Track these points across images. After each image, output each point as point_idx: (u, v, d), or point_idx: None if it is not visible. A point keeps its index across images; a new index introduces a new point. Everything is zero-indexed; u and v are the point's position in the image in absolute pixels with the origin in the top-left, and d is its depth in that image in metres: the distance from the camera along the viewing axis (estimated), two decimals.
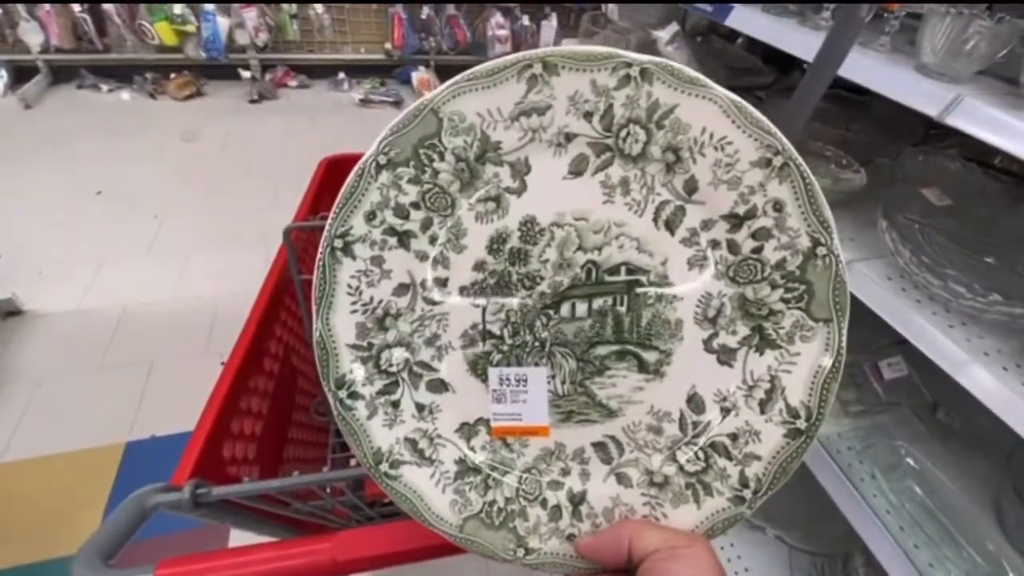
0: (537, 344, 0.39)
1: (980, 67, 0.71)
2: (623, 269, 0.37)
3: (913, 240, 0.78)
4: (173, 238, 2.18)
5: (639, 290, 0.37)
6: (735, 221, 0.35)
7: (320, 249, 0.36)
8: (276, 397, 0.74)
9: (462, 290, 0.38)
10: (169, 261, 2.06)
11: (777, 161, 0.33)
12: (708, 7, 1.08)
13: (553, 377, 0.39)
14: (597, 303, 0.38)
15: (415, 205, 0.36)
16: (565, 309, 0.38)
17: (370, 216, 0.36)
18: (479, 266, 0.38)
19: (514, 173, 0.36)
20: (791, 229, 0.34)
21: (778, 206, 0.34)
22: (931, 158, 1.05)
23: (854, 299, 0.83)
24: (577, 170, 0.36)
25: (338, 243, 0.36)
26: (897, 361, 0.98)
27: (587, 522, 0.39)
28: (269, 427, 0.70)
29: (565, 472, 0.40)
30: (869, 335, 1.05)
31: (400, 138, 0.35)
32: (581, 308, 0.38)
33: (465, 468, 0.39)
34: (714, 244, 0.36)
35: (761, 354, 0.37)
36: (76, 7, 3.00)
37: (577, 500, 0.39)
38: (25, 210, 2.23)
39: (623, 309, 0.38)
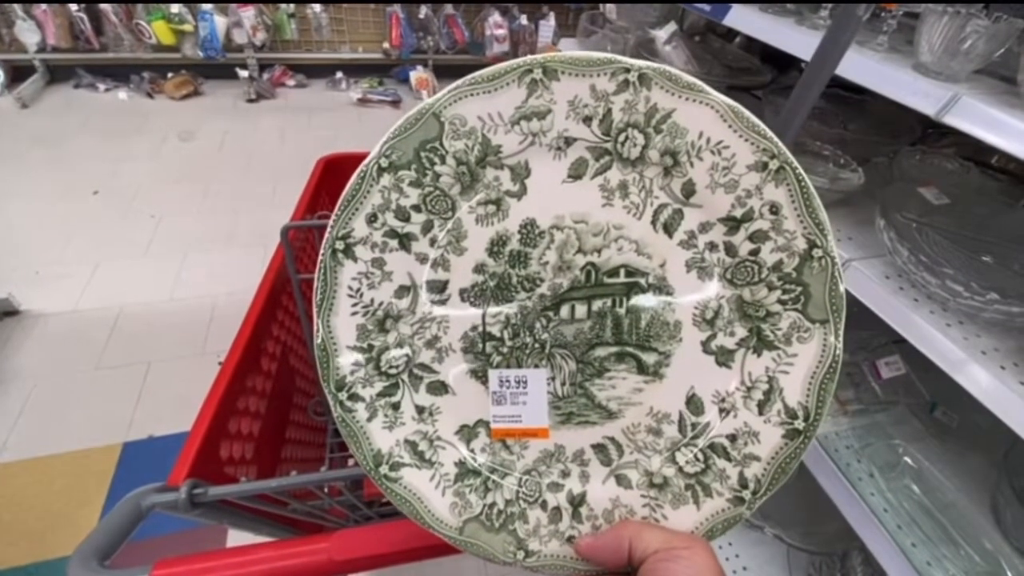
0: (537, 346, 0.39)
1: (977, 66, 0.71)
2: (622, 271, 0.38)
3: (911, 239, 0.78)
4: (170, 238, 2.17)
5: (638, 293, 0.38)
6: (732, 224, 0.36)
7: (321, 251, 0.36)
8: (274, 397, 0.74)
9: (462, 292, 0.38)
10: (166, 261, 2.05)
11: (773, 165, 0.34)
12: (706, 6, 1.08)
13: (553, 379, 0.39)
14: (596, 305, 0.38)
15: (416, 208, 0.37)
16: (565, 311, 0.38)
17: (371, 218, 0.36)
18: (479, 268, 0.38)
19: (514, 176, 0.36)
20: (787, 231, 0.35)
21: (774, 209, 0.35)
22: (928, 157, 1.05)
23: (852, 298, 0.84)
24: (576, 173, 0.36)
25: (339, 245, 0.36)
26: (895, 360, 0.98)
27: (587, 524, 0.39)
28: (267, 427, 0.70)
29: (565, 474, 0.40)
30: (867, 334, 1.05)
31: (402, 141, 0.35)
32: (580, 310, 0.38)
33: (465, 470, 0.40)
34: (712, 246, 0.37)
35: (759, 355, 0.37)
36: (73, 6, 2.99)
37: (577, 502, 0.39)
38: (22, 210, 2.22)
39: (622, 311, 0.38)
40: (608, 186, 0.36)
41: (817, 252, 0.34)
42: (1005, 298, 0.68)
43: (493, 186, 0.37)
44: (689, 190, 0.36)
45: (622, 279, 0.38)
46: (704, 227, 0.36)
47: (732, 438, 0.37)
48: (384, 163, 0.35)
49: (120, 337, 1.73)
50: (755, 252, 0.36)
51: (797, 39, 0.88)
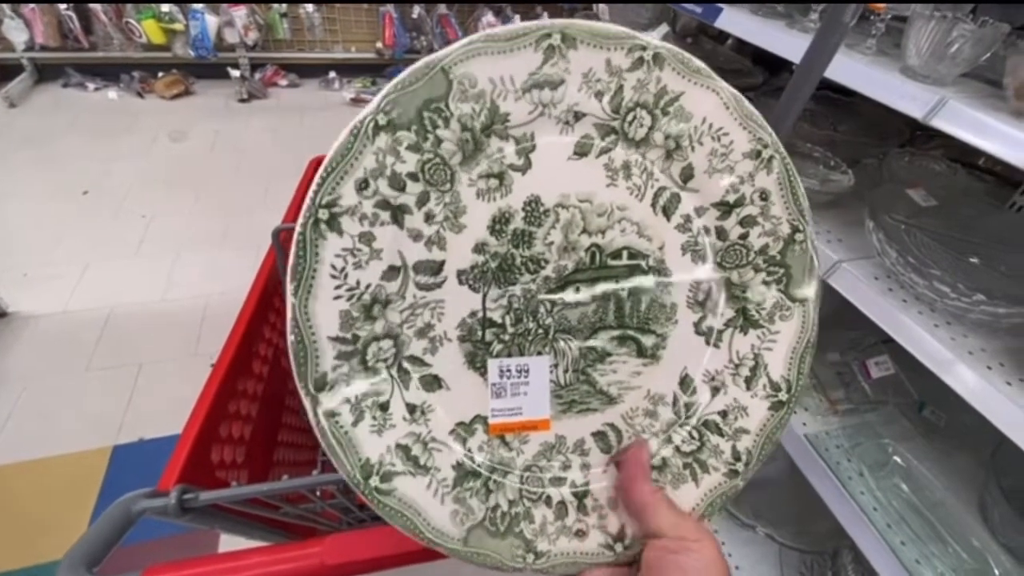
0: (540, 332, 0.37)
1: (964, 70, 0.72)
2: (625, 253, 0.37)
3: (899, 240, 0.79)
4: (161, 238, 2.16)
5: (639, 275, 0.37)
6: (725, 209, 0.37)
7: (301, 221, 0.31)
8: (265, 400, 0.73)
9: (460, 274, 0.35)
10: (157, 262, 2.04)
11: (766, 153, 0.35)
12: (698, 8, 1.09)
13: (555, 366, 0.38)
14: (600, 288, 0.37)
15: (413, 176, 0.33)
16: (569, 294, 0.37)
17: (362, 185, 0.31)
18: (480, 248, 0.35)
19: (519, 150, 0.34)
20: (774, 217, 0.37)
21: (764, 195, 0.36)
22: (917, 159, 1.07)
23: (843, 299, 0.85)
24: (582, 151, 0.35)
25: (323, 214, 0.31)
26: (884, 360, 0.99)
27: (593, 515, 0.38)
28: (258, 430, 0.70)
29: (566, 466, 0.39)
30: (857, 334, 1.06)
31: (404, 97, 0.31)
32: (585, 293, 0.37)
33: (464, 473, 0.36)
34: (705, 230, 0.37)
35: (745, 334, 0.39)
36: (61, 5, 2.96)
37: (581, 494, 0.38)
38: (10, 211, 2.20)
39: (624, 294, 0.37)
40: (612, 166, 0.35)
41: (799, 236, 0.37)
42: (991, 299, 0.68)
43: (496, 158, 0.34)
44: (688, 174, 0.36)
45: (625, 261, 0.37)
46: (699, 211, 0.37)
47: (723, 414, 0.39)
48: (382, 120, 0.31)
49: (111, 338, 1.71)
50: (744, 236, 0.37)
51: (788, 42, 0.89)
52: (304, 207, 0.31)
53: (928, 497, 0.88)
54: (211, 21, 3.15)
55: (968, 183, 1.04)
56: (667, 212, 0.37)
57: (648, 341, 0.38)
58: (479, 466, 0.37)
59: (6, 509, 1.27)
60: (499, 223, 0.35)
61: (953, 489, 0.89)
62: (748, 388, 0.38)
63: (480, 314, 0.36)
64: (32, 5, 2.90)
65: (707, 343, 0.39)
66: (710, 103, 0.35)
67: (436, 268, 0.34)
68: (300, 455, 0.87)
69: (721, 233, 0.37)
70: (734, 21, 1.00)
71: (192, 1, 3.10)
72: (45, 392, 1.54)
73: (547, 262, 0.36)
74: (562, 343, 0.37)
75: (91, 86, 3.22)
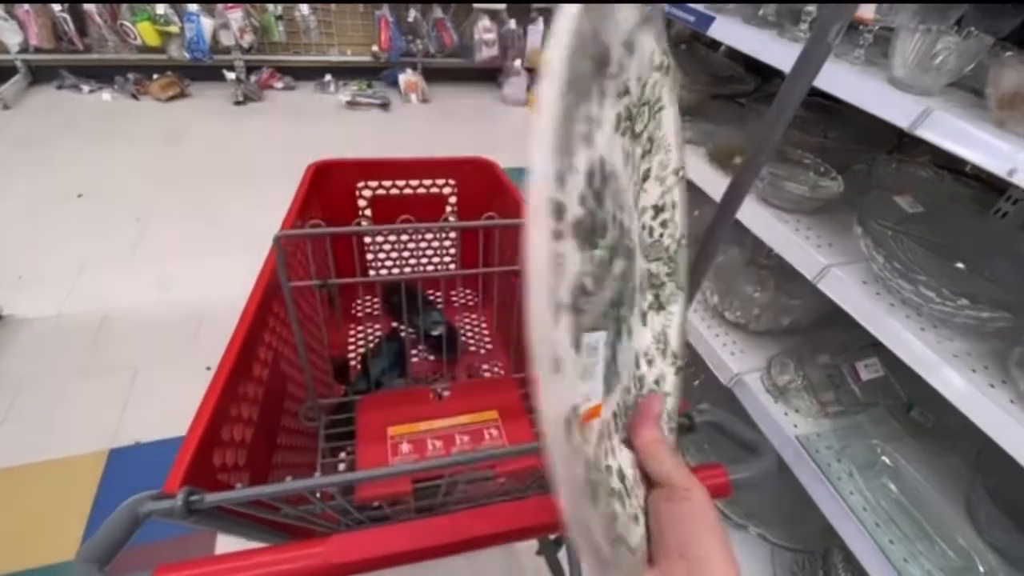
0: (604, 302, 0.32)
1: (949, 80, 0.74)
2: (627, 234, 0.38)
3: (886, 246, 0.81)
4: (156, 242, 2.15)
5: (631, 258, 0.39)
6: (656, 211, 0.44)
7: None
8: (266, 403, 0.74)
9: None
10: (152, 265, 2.03)
11: (681, 173, 0.44)
12: (691, 17, 1.11)
13: (604, 342, 0.33)
14: (622, 263, 0.35)
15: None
16: (613, 264, 0.33)
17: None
18: (583, 199, 0.28)
19: (599, 100, 0.30)
20: (676, 222, 0.45)
21: (674, 205, 0.45)
22: (904, 166, 1.09)
23: (834, 303, 0.86)
24: (616, 124, 0.33)
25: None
26: (873, 362, 1.01)
27: (632, 496, 0.35)
28: (259, 433, 0.70)
29: (607, 452, 0.34)
30: (847, 337, 1.08)
31: None
32: (618, 267, 0.34)
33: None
34: (643, 227, 0.44)
35: (658, 315, 0.46)
36: (56, 7, 2.95)
37: (622, 476, 0.35)
38: (3, 213, 2.19)
39: (627, 273, 0.38)
40: (624, 149, 0.35)
41: (684, 240, 0.46)
42: (976, 304, 0.70)
43: (595, 99, 0.28)
44: (645, 176, 0.42)
45: (626, 242, 0.37)
46: (643, 211, 0.43)
47: (657, 382, 0.45)
48: None
49: (106, 342, 1.71)
50: (661, 235, 0.45)
51: (778, 51, 0.90)
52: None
53: (916, 497, 0.90)
54: (206, 23, 3.15)
55: (954, 189, 1.06)
56: (635, 205, 0.41)
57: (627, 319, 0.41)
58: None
59: (1, 513, 1.26)
60: (595, 171, 0.29)
61: (940, 489, 0.91)
62: (664, 358, 0.45)
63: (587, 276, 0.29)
64: (26, 6, 2.89)
65: (642, 324, 0.45)
66: (671, 124, 0.41)
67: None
68: (299, 457, 0.87)
69: (651, 231, 0.45)
70: (726, 30, 1.02)
71: (188, 2, 3.10)
72: (40, 396, 1.53)
73: (608, 227, 0.31)
74: (607, 317, 0.33)
75: (86, 88, 3.21)
